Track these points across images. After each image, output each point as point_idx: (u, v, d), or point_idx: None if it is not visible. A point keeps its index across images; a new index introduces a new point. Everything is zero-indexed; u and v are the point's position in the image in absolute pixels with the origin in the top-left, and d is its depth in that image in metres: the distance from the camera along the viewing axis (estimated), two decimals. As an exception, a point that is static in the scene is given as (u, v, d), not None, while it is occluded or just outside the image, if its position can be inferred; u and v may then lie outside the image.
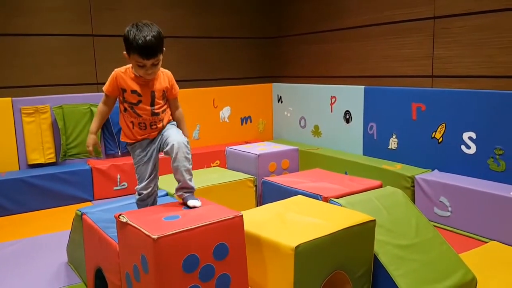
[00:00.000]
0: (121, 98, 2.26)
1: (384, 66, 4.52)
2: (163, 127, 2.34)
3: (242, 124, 5.91)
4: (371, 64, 4.67)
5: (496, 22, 3.54)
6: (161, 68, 2.28)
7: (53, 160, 4.57)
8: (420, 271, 2.40)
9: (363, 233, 2.32)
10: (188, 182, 2.20)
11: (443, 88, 3.92)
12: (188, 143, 2.22)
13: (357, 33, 4.79)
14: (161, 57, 2.17)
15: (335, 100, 5.02)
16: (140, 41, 2.07)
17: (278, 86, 6.01)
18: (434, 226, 3.21)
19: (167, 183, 3.20)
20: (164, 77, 2.31)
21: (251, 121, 5.99)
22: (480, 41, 3.67)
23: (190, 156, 2.21)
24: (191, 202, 2.15)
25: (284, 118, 5.93)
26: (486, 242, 3.25)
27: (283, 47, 5.96)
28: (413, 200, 3.71)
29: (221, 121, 5.71)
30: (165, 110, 2.34)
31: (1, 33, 4.41)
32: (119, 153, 4.89)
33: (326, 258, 2.18)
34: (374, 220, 2.36)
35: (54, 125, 4.55)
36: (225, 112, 5.75)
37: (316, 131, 5.37)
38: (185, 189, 2.22)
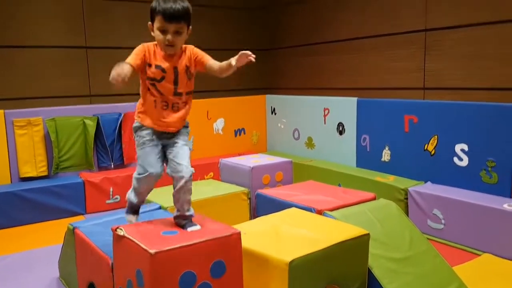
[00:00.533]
0: (144, 76, 2.15)
1: (376, 78, 4.56)
2: (183, 121, 2.22)
3: (236, 136, 5.91)
4: (363, 76, 4.71)
5: (488, 34, 3.59)
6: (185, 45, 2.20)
7: (45, 173, 4.53)
8: (414, 285, 2.40)
9: (357, 247, 2.32)
10: (187, 212, 2.16)
11: (435, 100, 3.95)
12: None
13: (349, 45, 4.83)
14: (185, 29, 2.11)
15: (328, 112, 5.04)
16: (165, 2, 2.04)
17: (272, 98, 6.03)
18: (428, 238, 3.21)
19: (160, 196, 3.18)
20: (187, 52, 2.21)
21: (244, 133, 5.99)
22: (471, 53, 3.71)
23: (192, 187, 2.17)
24: (190, 229, 2.09)
25: (278, 130, 5.94)
26: (480, 255, 3.25)
27: (276, 59, 5.99)
28: (407, 213, 3.71)
29: (214, 133, 5.71)
30: (188, 94, 2.22)
31: (-7, 45, 4.41)
32: (112, 166, 4.86)
33: (320, 272, 2.17)
34: (368, 234, 2.36)
35: (46, 137, 4.52)
36: (219, 124, 5.75)
37: (310, 143, 5.38)
38: (183, 218, 2.16)
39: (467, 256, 3.26)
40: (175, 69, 2.14)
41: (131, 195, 2.31)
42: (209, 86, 5.64)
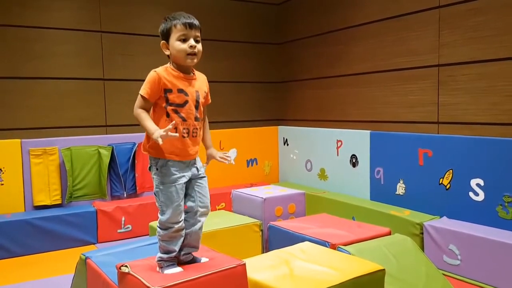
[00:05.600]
0: (162, 103, 2.02)
1: (390, 112, 4.56)
2: (197, 144, 2.11)
3: (248, 166, 5.92)
4: (376, 109, 4.72)
5: (501, 70, 3.60)
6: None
7: (59, 202, 4.57)
8: (432, 324, 2.33)
9: (372, 283, 2.27)
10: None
11: (450, 135, 3.93)
12: None
13: (362, 79, 4.87)
14: (200, 41, 2.09)
15: (341, 144, 5.04)
16: (180, 15, 2.04)
17: (284, 129, 6.06)
18: (444, 274, 3.14)
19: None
20: (203, 80, 2.18)
21: (257, 163, 6.00)
22: (485, 88, 3.71)
23: None
24: (203, 260, 2.08)
25: (290, 161, 5.94)
26: (498, 293, 3.16)
27: (289, 91, 6.05)
28: (422, 248, 3.64)
29: (227, 163, 5.71)
30: (202, 120, 2.16)
31: (13, 76, 4.52)
32: (125, 195, 4.88)
33: (335, 309, 2.13)
34: (384, 270, 2.32)
35: (61, 166, 4.58)
36: (231, 154, 5.78)
37: (322, 175, 5.36)
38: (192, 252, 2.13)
39: (485, 294, 3.17)
40: (197, 93, 2.09)
41: (162, 248, 2.03)
42: (222, 116, 5.70)
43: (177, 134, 1.91)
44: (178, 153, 2.01)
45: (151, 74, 2.03)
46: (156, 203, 2.07)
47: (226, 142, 5.67)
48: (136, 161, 4.91)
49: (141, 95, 2.00)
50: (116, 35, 5.01)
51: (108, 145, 4.77)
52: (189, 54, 2.03)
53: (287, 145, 5.99)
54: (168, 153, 2.01)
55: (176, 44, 2.03)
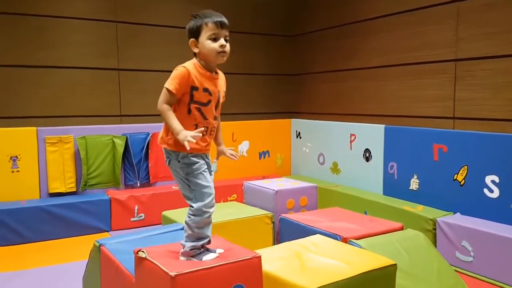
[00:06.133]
0: (186, 99, 2.00)
1: (405, 106, 4.52)
2: (211, 140, 2.14)
3: (260, 158, 5.93)
4: (391, 104, 4.68)
5: (519, 65, 3.53)
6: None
7: (74, 190, 4.63)
8: (443, 320, 2.32)
9: (383, 277, 2.26)
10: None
11: (465, 130, 3.88)
12: None
13: (378, 72, 4.82)
14: (228, 38, 2.08)
15: (355, 138, 5.01)
16: (211, 14, 2.03)
17: (297, 122, 6.04)
18: (456, 271, 3.12)
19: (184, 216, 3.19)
20: (223, 79, 2.17)
21: (269, 156, 6.00)
22: (502, 84, 3.65)
23: None
24: (218, 251, 2.05)
25: (303, 154, 5.93)
26: (511, 291, 3.13)
27: (304, 84, 6.03)
28: (434, 244, 3.61)
29: (239, 154, 5.74)
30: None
31: (30, 65, 4.57)
32: (138, 184, 4.93)
33: (345, 302, 2.13)
34: (395, 265, 2.31)
35: (76, 155, 4.63)
36: (244, 146, 5.78)
37: (335, 168, 5.34)
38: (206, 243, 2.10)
39: (497, 292, 3.14)
40: (218, 92, 2.09)
41: (195, 235, 2.00)
42: (236, 108, 5.70)
43: (200, 135, 1.90)
44: (197, 148, 2.01)
45: (181, 70, 1.99)
46: (186, 194, 2.04)
47: (238, 134, 5.68)
48: (149, 151, 4.95)
49: (169, 90, 1.96)
50: (131, 25, 5.02)
51: (122, 135, 4.81)
52: (219, 52, 2.02)
53: (300, 138, 5.97)
54: (182, 146, 1.97)
55: (207, 43, 2.01)
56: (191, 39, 2.05)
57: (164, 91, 1.98)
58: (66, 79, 4.75)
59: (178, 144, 1.98)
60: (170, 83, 1.96)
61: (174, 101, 1.99)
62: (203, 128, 1.97)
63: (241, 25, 5.73)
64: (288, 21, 6.10)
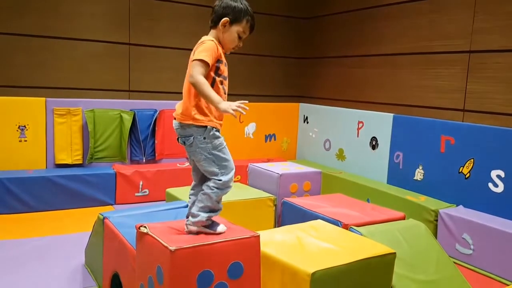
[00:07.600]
0: (212, 72, 2.00)
1: (415, 96, 4.48)
2: None
3: (266, 141, 5.93)
4: (402, 93, 4.64)
5: (534, 60, 3.48)
6: None
7: (80, 162, 4.67)
8: (438, 310, 2.34)
9: (382, 265, 2.28)
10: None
11: (475, 123, 3.85)
12: None
13: (390, 60, 4.77)
14: None
15: (362, 125, 4.99)
16: (253, 15, 2.14)
17: (305, 106, 6.02)
18: (455, 263, 3.13)
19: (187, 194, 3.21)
20: None
21: (275, 139, 6.00)
22: (515, 78, 3.61)
23: None
24: (219, 229, 2.06)
25: (309, 139, 5.92)
26: (508, 285, 3.13)
27: (314, 68, 5.98)
28: (435, 235, 3.62)
29: (245, 136, 5.74)
30: None
31: (40, 35, 4.56)
32: (144, 160, 4.96)
33: (342, 287, 2.15)
34: (394, 253, 2.32)
35: (84, 127, 4.66)
36: (250, 128, 5.78)
37: (340, 155, 5.33)
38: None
39: (495, 285, 3.16)
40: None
41: (211, 207, 2.03)
42: (244, 90, 5.68)
43: (245, 104, 1.93)
44: (217, 122, 2.04)
45: (211, 43, 2.00)
46: (212, 169, 2.02)
47: (245, 115, 5.63)
48: (156, 128, 4.96)
49: (205, 61, 1.93)
50: (144, 0, 4.98)
51: (130, 110, 4.82)
52: (233, 48, 2.13)
53: (307, 122, 5.96)
54: (217, 119, 2.04)
55: (234, 35, 2.09)
56: (227, 18, 2.06)
57: (197, 63, 1.94)
58: (76, 51, 4.74)
59: (206, 117, 1.99)
60: (205, 55, 1.94)
61: (206, 74, 1.96)
62: (247, 101, 1.97)
63: (253, 4, 5.65)
64: (303, 3, 6.02)
